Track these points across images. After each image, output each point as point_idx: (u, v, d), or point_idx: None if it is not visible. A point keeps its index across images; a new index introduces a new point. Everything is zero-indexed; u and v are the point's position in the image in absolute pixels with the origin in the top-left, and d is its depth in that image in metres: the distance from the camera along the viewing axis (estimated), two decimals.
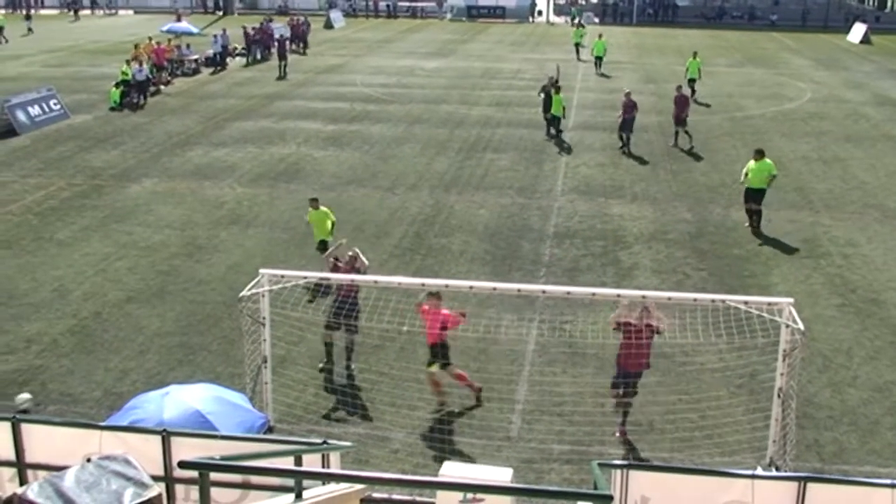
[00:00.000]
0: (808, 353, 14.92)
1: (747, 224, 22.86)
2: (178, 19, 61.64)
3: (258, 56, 51.83)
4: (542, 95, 33.00)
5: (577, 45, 54.54)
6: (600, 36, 50.52)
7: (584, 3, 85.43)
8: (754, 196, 22.65)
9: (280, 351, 15.11)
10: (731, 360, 15.75)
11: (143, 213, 23.86)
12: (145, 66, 39.37)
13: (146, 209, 24.22)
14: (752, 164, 22.57)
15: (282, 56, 47.43)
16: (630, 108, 30.27)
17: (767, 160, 22.59)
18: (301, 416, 14.06)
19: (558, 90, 32.37)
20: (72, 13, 78.86)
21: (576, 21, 69.63)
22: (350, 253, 16.15)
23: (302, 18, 60.96)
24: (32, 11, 72.15)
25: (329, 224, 19.57)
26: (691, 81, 39.57)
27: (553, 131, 32.57)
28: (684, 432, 13.75)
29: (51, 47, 57.97)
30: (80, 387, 14.98)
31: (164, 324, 17.36)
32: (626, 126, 30.53)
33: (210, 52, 49.19)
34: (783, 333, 12.08)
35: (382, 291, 16.44)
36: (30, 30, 63.39)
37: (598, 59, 48.64)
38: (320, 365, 15.89)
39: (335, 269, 15.83)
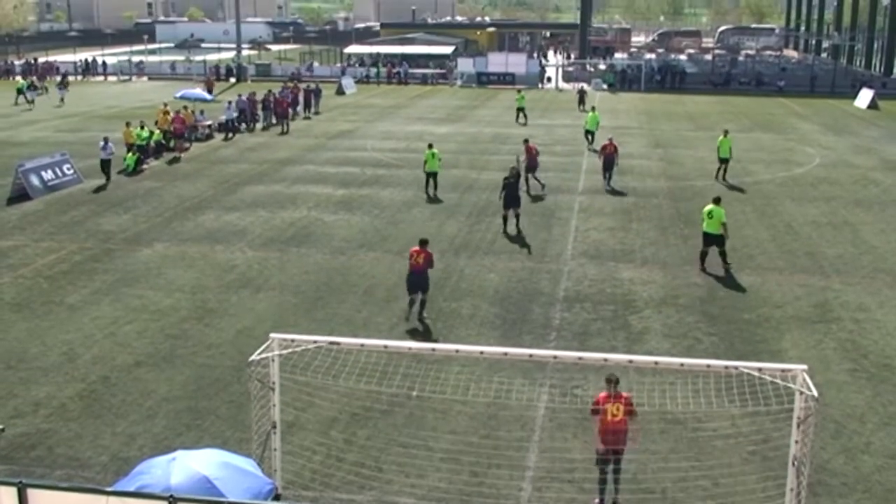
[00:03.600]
0: (821, 419, 14.76)
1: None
2: (210, 89, 63.77)
3: (272, 121, 52.53)
4: (503, 192, 28.63)
5: (520, 109, 55.77)
6: (593, 108, 48.89)
7: (592, 69, 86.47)
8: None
9: (289, 416, 15.01)
10: (743, 426, 15.60)
11: (153, 277, 23.93)
12: (111, 143, 36.22)
13: (157, 273, 24.29)
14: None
15: (282, 115, 51.63)
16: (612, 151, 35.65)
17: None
18: (309, 483, 13.92)
19: (430, 146, 34.46)
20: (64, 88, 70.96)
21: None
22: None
23: (309, 85, 62.05)
24: (58, 79, 72.25)
25: None
26: (723, 161, 36.94)
27: (432, 192, 34.06)
28: (697, 500, 13.56)
29: (65, 112, 58.79)
30: (88, 451, 14.89)
31: (172, 388, 17.29)
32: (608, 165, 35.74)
33: (223, 117, 49.83)
34: (797, 401, 11.95)
35: (392, 356, 16.40)
36: (62, 100, 63.97)
37: (590, 134, 45.84)
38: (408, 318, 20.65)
39: None
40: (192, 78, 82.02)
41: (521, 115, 55.89)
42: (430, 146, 34.65)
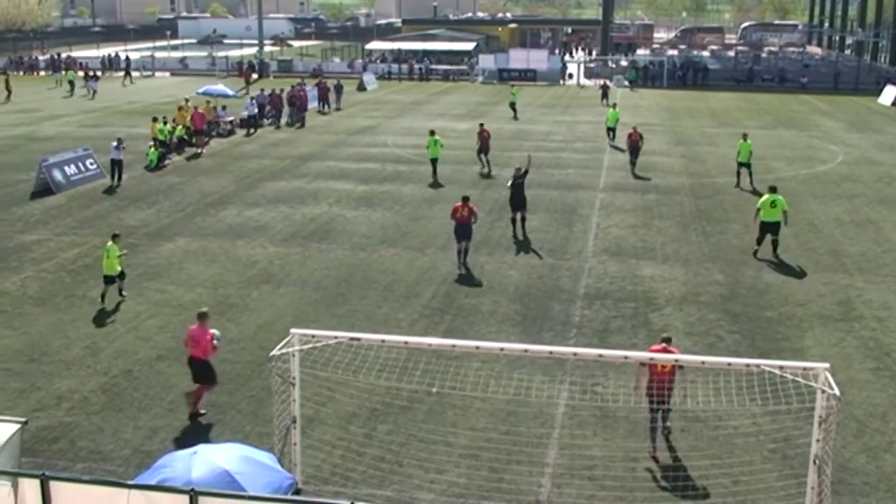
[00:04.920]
0: (843, 417, 14.67)
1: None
2: (247, 82, 65.57)
3: (293, 118, 52.70)
4: (511, 189, 27.72)
5: (513, 104, 56.96)
6: (614, 105, 48.84)
7: (614, 66, 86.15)
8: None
9: (309, 411, 15.06)
10: (764, 424, 15.52)
11: (175, 272, 24.05)
12: (125, 143, 35.39)
13: (179, 268, 24.41)
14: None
15: (301, 109, 52.88)
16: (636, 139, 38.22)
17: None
18: (329, 478, 13.97)
19: (432, 132, 36.95)
20: (126, 78, 79.33)
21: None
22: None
23: (332, 82, 62.51)
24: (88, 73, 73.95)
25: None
26: (743, 165, 34.70)
27: (434, 177, 36.10)
28: (717, 498, 13.51)
29: (88, 108, 59.16)
30: (110, 444, 14.99)
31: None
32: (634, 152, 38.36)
33: (245, 113, 50.01)
34: (819, 399, 11.88)
35: (412, 352, 16.42)
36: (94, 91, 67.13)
37: (611, 130, 45.36)
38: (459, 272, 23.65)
39: None
40: (214, 73, 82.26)
41: (513, 109, 56.75)
42: (432, 133, 36.87)
